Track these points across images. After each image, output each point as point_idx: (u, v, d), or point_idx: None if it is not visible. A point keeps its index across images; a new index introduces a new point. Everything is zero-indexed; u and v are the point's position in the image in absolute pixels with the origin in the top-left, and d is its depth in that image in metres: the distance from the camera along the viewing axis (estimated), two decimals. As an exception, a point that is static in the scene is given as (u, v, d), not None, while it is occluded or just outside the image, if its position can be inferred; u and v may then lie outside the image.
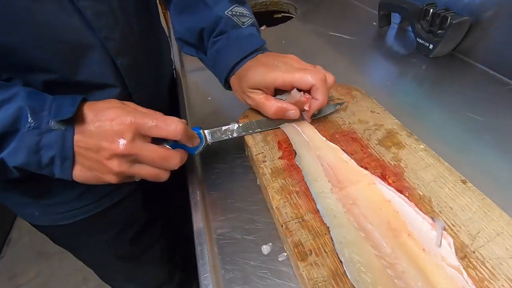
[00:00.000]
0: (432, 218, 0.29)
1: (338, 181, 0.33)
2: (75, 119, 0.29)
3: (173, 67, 0.72)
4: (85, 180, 0.32)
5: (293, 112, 0.40)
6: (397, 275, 0.25)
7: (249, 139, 0.41)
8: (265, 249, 0.33)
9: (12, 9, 0.29)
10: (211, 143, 0.38)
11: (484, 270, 0.25)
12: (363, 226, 0.29)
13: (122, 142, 0.29)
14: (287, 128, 0.41)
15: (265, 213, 0.37)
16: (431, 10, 0.58)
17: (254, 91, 0.41)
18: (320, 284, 0.25)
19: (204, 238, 0.35)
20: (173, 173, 0.35)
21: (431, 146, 0.36)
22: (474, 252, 0.26)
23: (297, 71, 0.38)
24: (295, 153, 0.38)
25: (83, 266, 0.71)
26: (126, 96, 0.42)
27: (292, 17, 0.94)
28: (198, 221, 0.37)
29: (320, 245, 0.28)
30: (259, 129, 0.41)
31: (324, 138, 0.39)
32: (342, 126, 0.41)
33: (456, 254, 0.26)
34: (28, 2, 0.30)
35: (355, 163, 0.35)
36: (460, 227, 0.28)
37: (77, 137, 0.29)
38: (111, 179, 0.31)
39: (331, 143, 0.38)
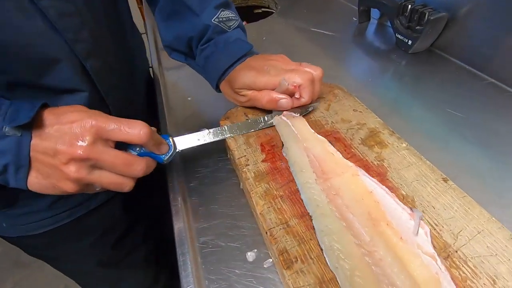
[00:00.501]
0: (411, 209, 0.29)
1: (323, 172, 0.33)
2: (33, 123, 0.27)
3: (150, 66, 0.69)
4: (41, 189, 0.29)
5: (285, 100, 0.40)
6: (375, 262, 0.26)
7: (231, 142, 0.40)
8: (250, 256, 0.32)
9: None
10: (181, 150, 0.36)
11: (466, 269, 0.25)
12: (345, 216, 0.29)
13: (81, 144, 0.27)
14: (277, 120, 0.40)
15: (250, 218, 0.36)
16: (409, 6, 0.59)
17: (245, 90, 0.42)
18: (306, 292, 0.25)
19: (187, 247, 0.34)
20: (153, 176, 0.33)
21: (412, 142, 0.36)
22: (456, 251, 0.26)
23: (285, 73, 0.39)
24: (283, 145, 0.38)
25: None
26: (98, 100, 0.40)
27: (273, 12, 0.93)
28: (180, 230, 0.35)
29: (305, 251, 0.28)
30: (230, 134, 0.40)
31: (313, 131, 0.39)
32: (325, 126, 0.40)
33: (439, 255, 0.26)
34: None
35: (340, 155, 0.35)
36: (443, 226, 0.28)
37: (34, 141, 0.27)
38: (69, 187, 0.28)
39: (319, 136, 0.38)
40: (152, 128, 0.30)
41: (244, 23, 0.90)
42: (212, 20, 0.43)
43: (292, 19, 0.83)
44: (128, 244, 0.63)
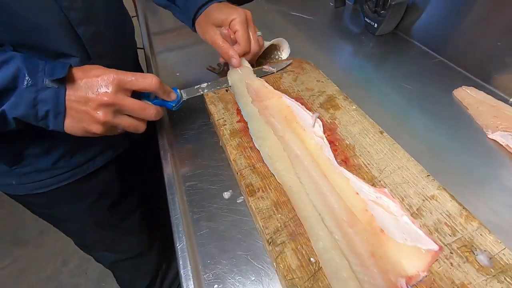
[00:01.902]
0: (313, 113, 0.43)
1: (258, 96, 0.46)
2: (66, 78, 0.33)
3: (141, 47, 0.75)
4: (74, 131, 0.35)
5: (235, 61, 0.48)
6: (285, 143, 0.39)
7: (212, 108, 0.47)
8: (226, 194, 0.40)
9: None
10: (187, 99, 0.45)
11: (385, 193, 0.33)
12: (270, 120, 0.42)
13: (106, 92, 0.33)
14: (231, 67, 0.50)
15: (227, 168, 0.43)
16: (376, -8, 0.66)
17: (214, 28, 0.50)
18: (264, 211, 0.33)
19: (175, 189, 0.41)
20: (146, 144, 0.39)
21: (365, 107, 0.44)
22: (380, 181, 0.34)
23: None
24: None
25: (61, 249, 0.72)
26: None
27: (256, -3, 0.98)
28: (169, 176, 0.43)
29: (266, 185, 0.35)
30: (225, 85, 0.49)
31: (255, 75, 0.49)
32: (292, 94, 0.47)
33: (368, 183, 0.34)
34: None
35: (272, 88, 0.47)
36: (373, 165, 0.36)
37: (68, 92, 0.33)
38: (97, 129, 0.35)
39: (258, 78, 0.49)
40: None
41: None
42: None
43: (274, 4, 0.89)
44: (123, 208, 0.69)
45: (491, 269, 0.27)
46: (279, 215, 0.32)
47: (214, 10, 0.50)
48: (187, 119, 0.52)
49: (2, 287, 1.36)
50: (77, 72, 0.34)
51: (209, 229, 0.37)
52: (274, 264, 0.30)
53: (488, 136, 0.44)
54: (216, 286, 0.32)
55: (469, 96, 0.49)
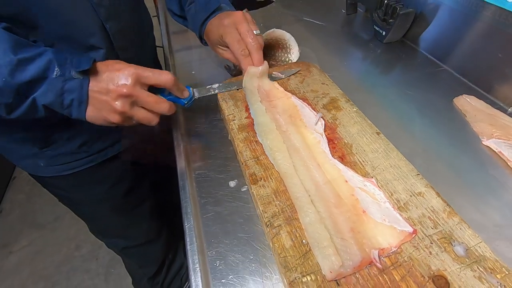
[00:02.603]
0: (317, 113, 0.46)
1: (268, 97, 0.50)
2: (90, 71, 0.37)
3: (160, 46, 0.80)
4: (94, 119, 0.39)
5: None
6: (286, 137, 0.43)
7: (223, 104, 0.51)
8: (232, 183, 0.44)
9: None
10: (198, 97, 0.48)
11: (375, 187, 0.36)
12: (275, 117, 0.46)
13: (125, 85, 0.37)
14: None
15: (234, 160, 0.47)
16: (385, 1, 0.68)
17: (219, 47, 0.54)
18: (264, 197, 0.36)
19: (186, 176, 0.45)
20: (159, 138, 0.43)
21: (367, 110, 0.47)
22: (372, 177, 0.37)
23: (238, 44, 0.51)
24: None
25: (76, 235, 0.77)
26: (113, 57, 0.49)
27: (272, 2, 1.02)
28: (181, 165, 0.47)
29: (268, 175, 0.39)
30: (235, 87, 0.52)
31: (269, 80, 0.52)
32: (298, 94, 0.51)
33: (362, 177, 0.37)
34: None
35: (282, 89, 0.51)
36: (367, 163, 0.39)
37: (91, 83, 0.37)
38: (115, 118, 0.38)
39: (270, 80, 0.52)
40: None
41: (245, 10, 1.00)
42: None
43: (289, 9, 0.93)
44: (136, 195, 0.75)
45: (466, 259, 0.29)
46: (278, 202, 0.36)
47: (210, 29, 0.54)
48: (199, 115, 0.56)
49: (18, 267, 1.44)
50: (100, 65, 0.38)
51: (215, 212, 0.41)
52: (271, 244, 0.34)
53: (483, 142, 0.46)
54: (218, 262, 0.36)
55: (468, 104, 0.52)
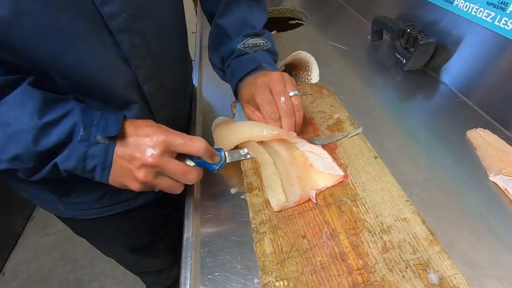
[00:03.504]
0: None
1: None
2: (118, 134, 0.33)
3: (193, 60, 0.88)
4: (113, 183, 0.36)
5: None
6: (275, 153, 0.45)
7: (236, 117, 0.55)
8: (233, 190, 0.47)
9: (60, 36, 0.32)
10: (230, 161, 0.42)
11: (362, 208, 0.38)
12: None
13: (152, 154, 0.33)
14: None
15: (238, 170, 0.51)
16: (408, 30, 0.70)
17: (248, 106, 0.49)
18: (256, 205, 0.40)
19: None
20: None
21: (380, 137, 0.48)
22: (361, 198, 0.39)
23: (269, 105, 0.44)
24: None
25: None
26: (147, 114, 0.45)
27: (302, 25, 1.07)
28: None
29: (262, 186, 0.42)
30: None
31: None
32: (306, 114, 0.54)
33: (349, 199, 0.39)
34: (73, 33, 0.33)
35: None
36: (359, 184, 0.41)
37: (117, 148, 0.33)
38: (135, 186, 0.35)
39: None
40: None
41: (273, 32, 1.06)
42: (238, 45, 0.51)
43: (315, 32, 0.97)
44: (156, 236, 0.72)
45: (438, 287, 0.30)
46: (267, 211, 0.39)
47: (243, 87, 0.49)
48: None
49: (51, 249, 1.59)
50: (129, 127, 0.34)
51: (213, 215, 0.45)
52: (254, 247, 0.37)
53: (490, 178, 0.45)
54: (208, 259, 0.39)
55: (480, 138, 0.51)
